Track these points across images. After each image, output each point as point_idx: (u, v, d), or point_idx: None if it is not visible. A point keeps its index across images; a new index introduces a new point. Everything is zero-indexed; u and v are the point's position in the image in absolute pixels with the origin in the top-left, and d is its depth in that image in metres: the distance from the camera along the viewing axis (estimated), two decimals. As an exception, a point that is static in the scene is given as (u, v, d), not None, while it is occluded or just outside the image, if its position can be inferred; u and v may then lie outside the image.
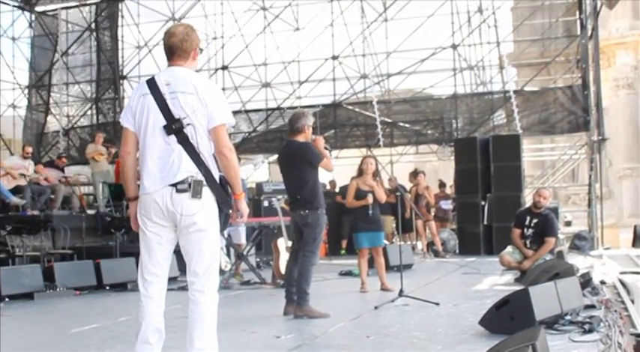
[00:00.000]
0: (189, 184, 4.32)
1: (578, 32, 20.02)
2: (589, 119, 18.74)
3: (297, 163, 7.78)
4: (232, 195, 4.51)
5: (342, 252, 17.95)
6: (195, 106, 4.37)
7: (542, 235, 10.44)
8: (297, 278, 7.69)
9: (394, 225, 16.65)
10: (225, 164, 4.44)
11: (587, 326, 6.10)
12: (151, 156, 4.41)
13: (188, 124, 4.35)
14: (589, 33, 19.28)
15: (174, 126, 4.36)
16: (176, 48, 4.51)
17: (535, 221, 10.52)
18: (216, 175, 4.45)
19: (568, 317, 6.41)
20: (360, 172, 10.04)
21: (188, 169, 4.34)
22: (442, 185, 19.00)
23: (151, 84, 4.47)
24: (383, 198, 9.94)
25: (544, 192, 10.71)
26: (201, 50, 4.70)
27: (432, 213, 17.12)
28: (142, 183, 4.45)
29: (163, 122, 4.38)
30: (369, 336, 6.37)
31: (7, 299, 9.71)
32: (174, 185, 4.33)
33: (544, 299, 6.21)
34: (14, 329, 7.77)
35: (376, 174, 10.08)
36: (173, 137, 4.37)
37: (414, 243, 17.33)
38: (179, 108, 4.37)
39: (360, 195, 9.84)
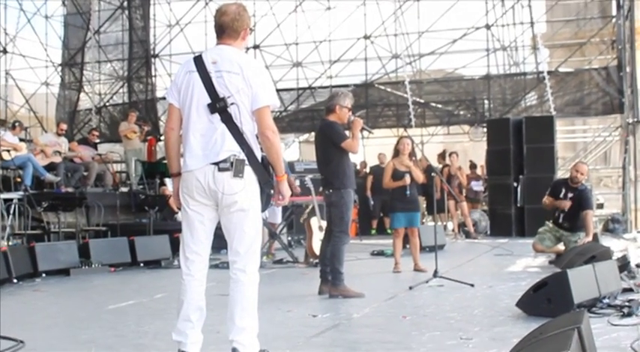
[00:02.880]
0: (232, 163, 4.32)
1: (614, 13, 19.76)
2: (624, 101, 18.51)
3: (322, 142, 7.85)
4: (274, 176, 4.51)
5: (373, 231, 18.01)
6: (240, 86, 4.35)
7: (578, 210, 10.10)
8: (330, 259, 7.71)
9: (425, 206, 16.64)
10: (268, 146, 4.43)
11: (625, 310, 6.06)
12: (194, 133, 4.41)
13: (232, 104, 4.34)
14: (625, 13, 19.00)
15: (218, 105, 4.35)
16: (227, 27, 4.49)
17: (570, 195, 10.19)
18: (259, 155, 4.44)
19: (606, 301, 6.36)
20: (397, 152, 10.03)
21: (231, 148, 4.34)
22: (473, 166, 18.92)
23: (198, 61, 4.46)
24: (420, 178, 9.93)
25: (582, 166, 10.42)
26: (252, 30, 4.69)
27: (464, 194, 17.06)
28: (185, 161, 4.46)
29: (208, 100, 4.37)
30: (405, 316, 6.38)
31: (43, 275, 9.86)
32: (216, 163, 4.33)
33: (582, 282, 6.17)
34: (53, 304, 7.88)
35: (413, 154, 10.04)
36: (217, 116, 4.36)
37: (444, 223, 17.30)
38: (224, 88, 4.36)
39: (397, 175, 9.84)
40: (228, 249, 4.49)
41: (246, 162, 4.36)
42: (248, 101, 4.38)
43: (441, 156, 18.12)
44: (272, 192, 4.57)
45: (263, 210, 4.63)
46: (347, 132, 7.90)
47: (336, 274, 7.65)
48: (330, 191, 7.68)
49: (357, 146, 7.81)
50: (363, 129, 7.98)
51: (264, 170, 4.47)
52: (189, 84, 4.45)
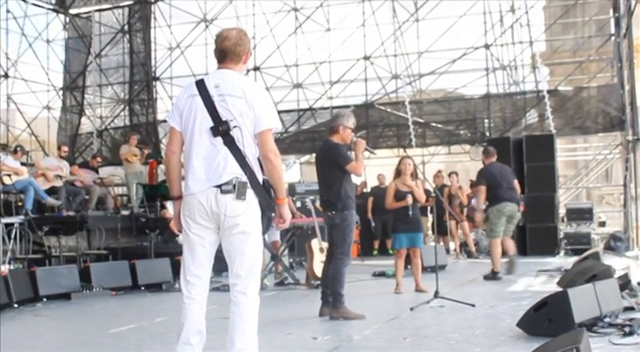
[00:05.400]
0: (234, 186, 4.34)
1: (612, 31, 19.82)
2: (624, 118, 18.53)
3: (326, 164, 7.81)
4: (276, 199, 4.53)
5: (375, 252, 17.97)
6: (243, 110, 4.39)
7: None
8: (330, 281, 7.69)
9: (429, 226, 16.63)
10: (270, 168, 4.46)
11: (627, 329, 6.04)
12: (196, 156, 4.44)
13: (235, 127, 4.38)
14: (623, 31, 19.07)
15: (221, 128, 4.38)
16: (229, 51, 4.54)
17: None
18: (261, 178, 4.47)
19: (607, 320, 6.35)
20: (398, 173, 10.04)
21: (233, 171, 4.36)
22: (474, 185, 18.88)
23: (200, 85, 4.51)
24: (422, 198, 9.94)
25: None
26: (251, 54, 4.74)
27: (465, 214, 17.05)
28: (187, 184, 4.48)
29: (210, 124, 4.41)
30: (406, 338, 6.37)
31: (44, 300, 9.83)
32: (219, 186, 4.36)
33: (583, 301, 6.16)
34: (53, 329, 7.87)
35: (415, 175, 10.05)
36: (219, 139, 4.40)
37: (447, 245, 17.25)
38: (226, 111, 4.40)
39: (399, 196, 9.84)
40: (229, 272, 4.50)
41: (249, 184, 4.39)
42: (251, 124, 4.42)
43: (436, 176, 18.04)
44: (273, 214, 4.59)
45: (264, 233, 4.65)
46: (350, 153, 7.89)
47: (336, 296, 7.63)
48: (333, 213, 7.66)
49: (361, 168, 7.82)
50: (365, 149, 7.97)
51: (266, 193, 4.49)
52: (191, 107, 4.48)
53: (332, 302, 7.65)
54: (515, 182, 11.84)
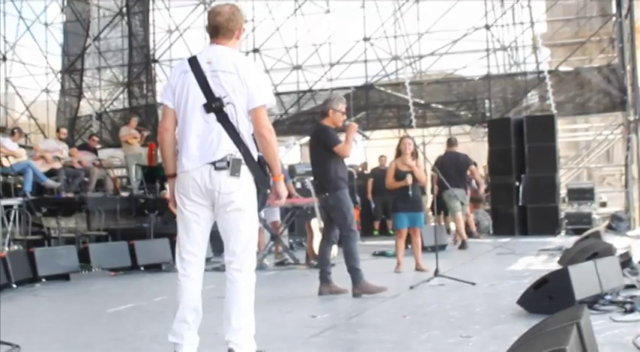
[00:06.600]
0: (228, 162, 4.29)
1: (613, 11, 19.71)
2: (625, 99, 18.45)
3: (315, 146, 7.90)
4: (271, 176, 4.47)
5: (375, 232, 17.96)
6: (236, 86, 4.33)
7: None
8: (345, 259, 7.67)
9: (429, 206, 16.60)
10: (265, 145, 4.40)
11: (628, 306, 6.02)
12: (190, 133, 4.38)
13: (228, 103, 4.32)
14: (624, 12, 18.95)
15: (214, 105, 4.32)
16: (221, 27, 4.49)
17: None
18: (255, 155, 4.41)
19: (608, 297, 6.32)
20: (399, 153, 9.99)
21: (227, 148, 4.31)
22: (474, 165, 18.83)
23: (192, 62, 4.44)
24: (423, 178, 9.91)
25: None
26: (244, 30, 4.68)
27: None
28: (180, 161, 4.43)
29: (203, 100, 4.35)
30: (406, 316, 6.33)
31: (43, 280, 9.78)
32: (212, 163, 4.30)
33: (584, 278, 6.12)
34: (51, 309, 7.85)
35: (415, 155, 9.99)
36: (213, 115, 4.34)
37: (448, 224, 17.21)
38: (219, 87, 4.34)
39: (399, 175, 9.79)
40: (224, 250, 4.45)
41: (243, 161, 4.33)
42: (244, 100, 4.35)
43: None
44: (268, 191, 4.53)
45: (259, 210, 4.59)
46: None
47: (354, 272, 7.60)
48: (326, 195, 7.70)
49: (348, 150, 7.79)
50: (357, 133, 7.96)
51: (261, 169, 4.43)
52: (184, 84, 4.42)
53: (351, 279, 7.62)
54: (472, 168, 13.82)
